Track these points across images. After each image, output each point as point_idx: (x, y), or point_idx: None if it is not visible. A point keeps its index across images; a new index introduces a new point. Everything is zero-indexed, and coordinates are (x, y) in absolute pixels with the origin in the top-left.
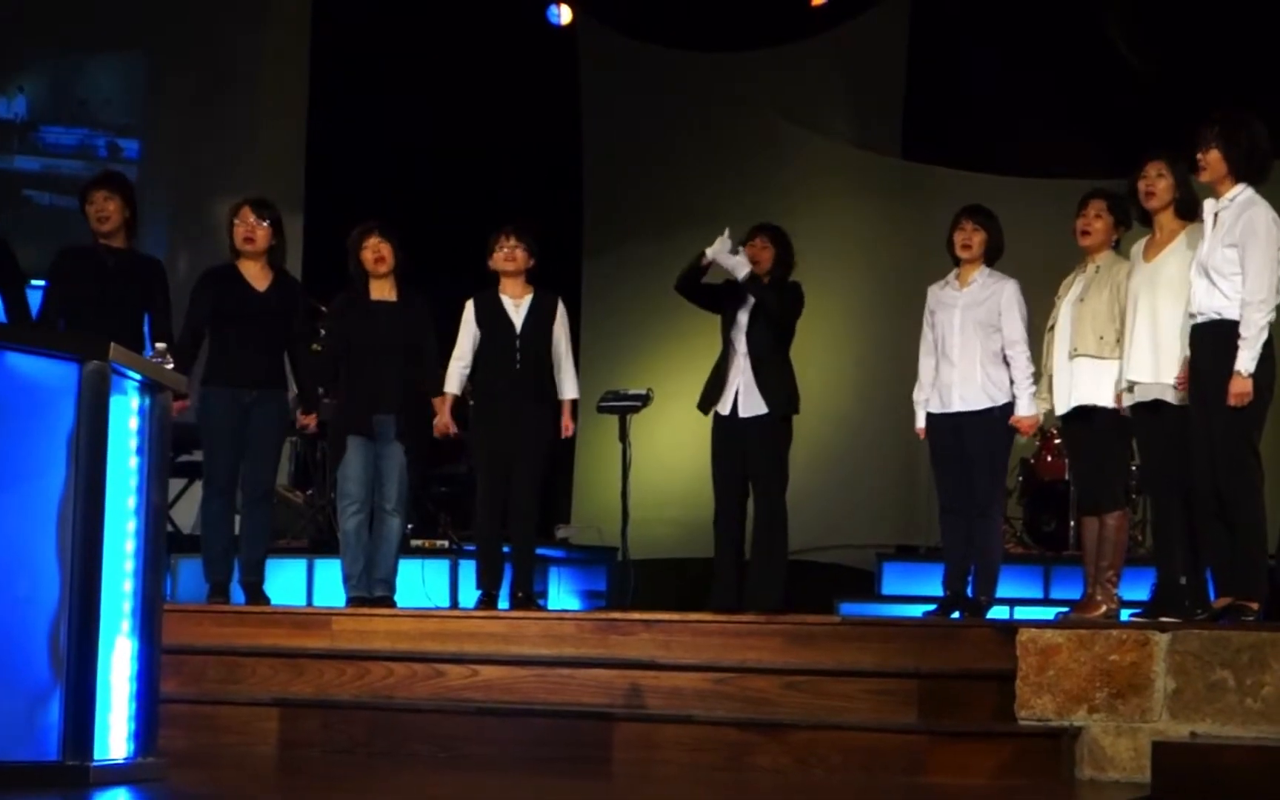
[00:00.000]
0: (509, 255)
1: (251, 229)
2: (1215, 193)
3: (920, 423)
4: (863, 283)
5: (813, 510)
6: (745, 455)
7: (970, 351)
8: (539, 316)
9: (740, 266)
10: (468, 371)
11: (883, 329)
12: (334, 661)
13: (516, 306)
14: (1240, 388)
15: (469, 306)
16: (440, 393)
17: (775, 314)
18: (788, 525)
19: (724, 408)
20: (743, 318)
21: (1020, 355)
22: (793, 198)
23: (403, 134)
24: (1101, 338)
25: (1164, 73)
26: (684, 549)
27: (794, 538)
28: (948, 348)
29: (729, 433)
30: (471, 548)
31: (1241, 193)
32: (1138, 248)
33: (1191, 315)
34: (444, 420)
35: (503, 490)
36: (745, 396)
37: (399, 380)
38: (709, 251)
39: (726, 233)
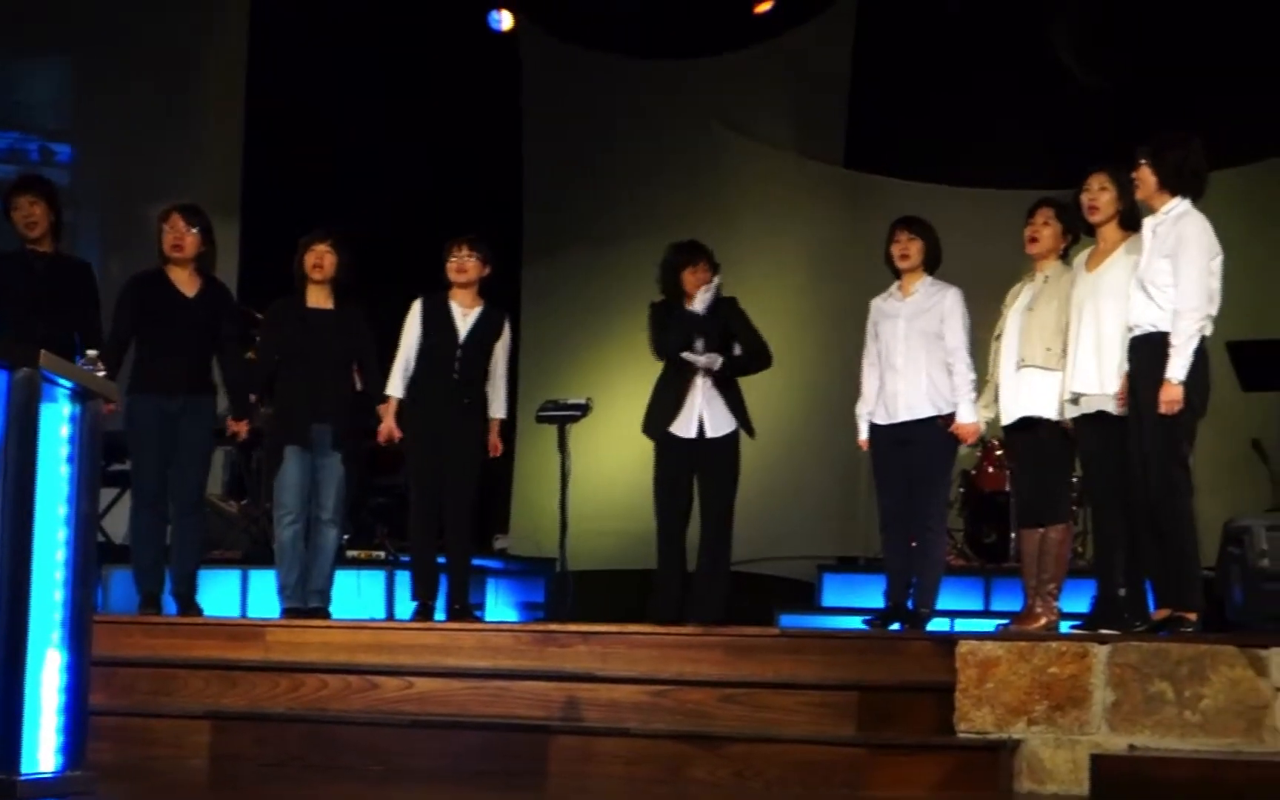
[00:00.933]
0: (460, 266)
1: (180, 236)
2: (1151, 209)
3: (863, 435)
4: (805, 293)
5: (754, 523)
6: (702, 474)
7: (915, 360)
8: (484, 330)
9: (714, 362)
10: (410, 377)
11: (825, 339)
12: (267, 673)
13: (464, 316)
14: (1170, 395)
15: (416, 307)
16: (382, 398)
17: (756, 363)
18: (732, 537)
19: (685, 429)
20: (696, 337)
21: (961, 363)
22: (734, 206)
23: (342, 138)
24: (1049, 348)
25: (1111, 85)
26: (623, 560)
27: (735, 550)
28: (892, 357)
29: (685, 453)
30: (407, 558)
31: (1176, 206)
32: (1081, 258)
33: (1129, 328)
34: (388, 425)
35: (437, 500)
36: (711, 417)
37: (336, 389)
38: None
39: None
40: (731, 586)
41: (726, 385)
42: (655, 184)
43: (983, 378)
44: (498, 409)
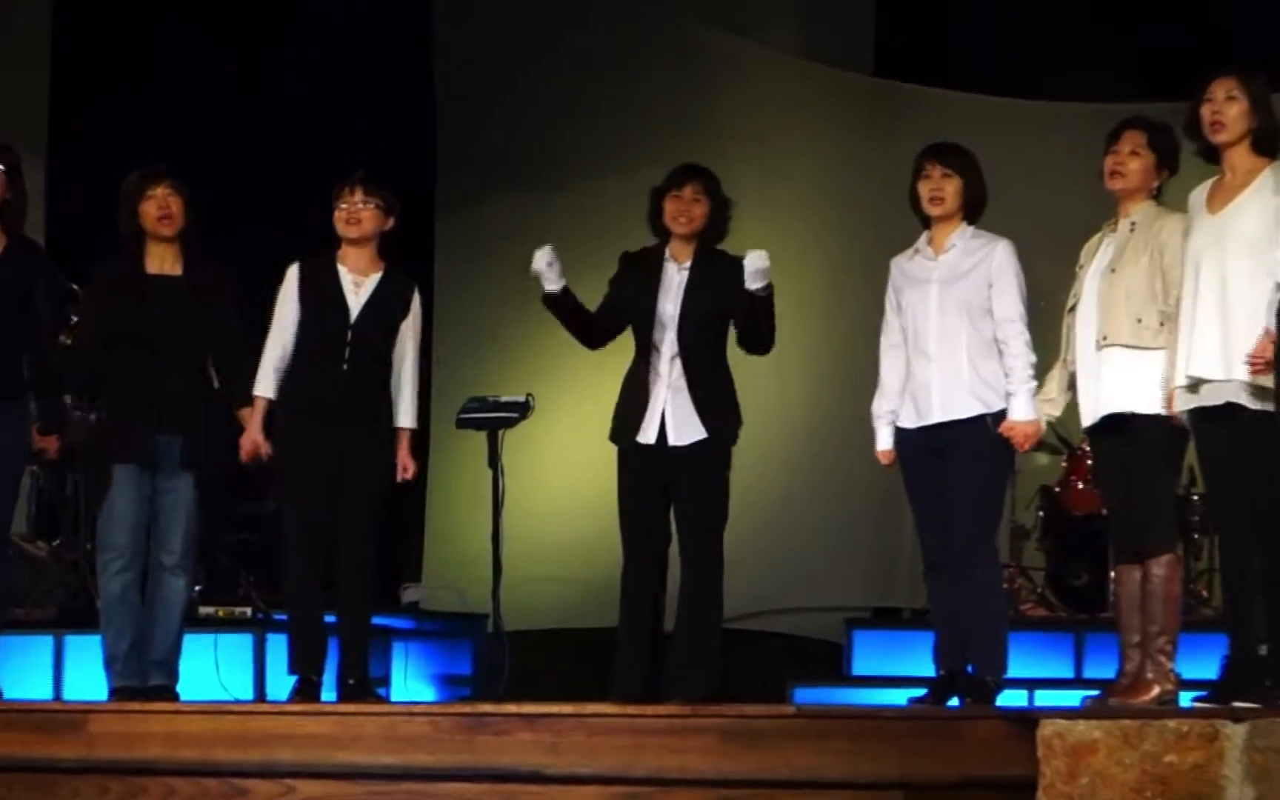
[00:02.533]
0: (350, 215)
1: None
2: None
3: (883, 444)
4: (819, 254)
5: (757, 564)
6: (673, 496)
7: (953, 341)
8: (385, 304)
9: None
10: (285, 369)
11: (848, 315)
12: (93, 777)
13: (357, 287)
14: None
15: (291, 275)
16: (248, 399)
17: (767, 349)
18: (723, 585)
19: (646, 435)
20: (667, 307)
21: (1016, 339)
22: (721, 135)
23: (194, 59)
24: (1140, 320)
25: None
26: (578, 615)
27: (733, 600)
28: (922, 338)
29: (650, 467)
30: (284, 617)
31: None
32: (1199, 195)
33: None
34: (253, 437)
35: (324, 537)
36: (676, 418)
37: (186, 386)
38: (546, 282)
39: (548, 251)
40: (726, 649)
41: (700, 377)
42: (607, 108)
43: (1046, 363)
44: (406, 415)
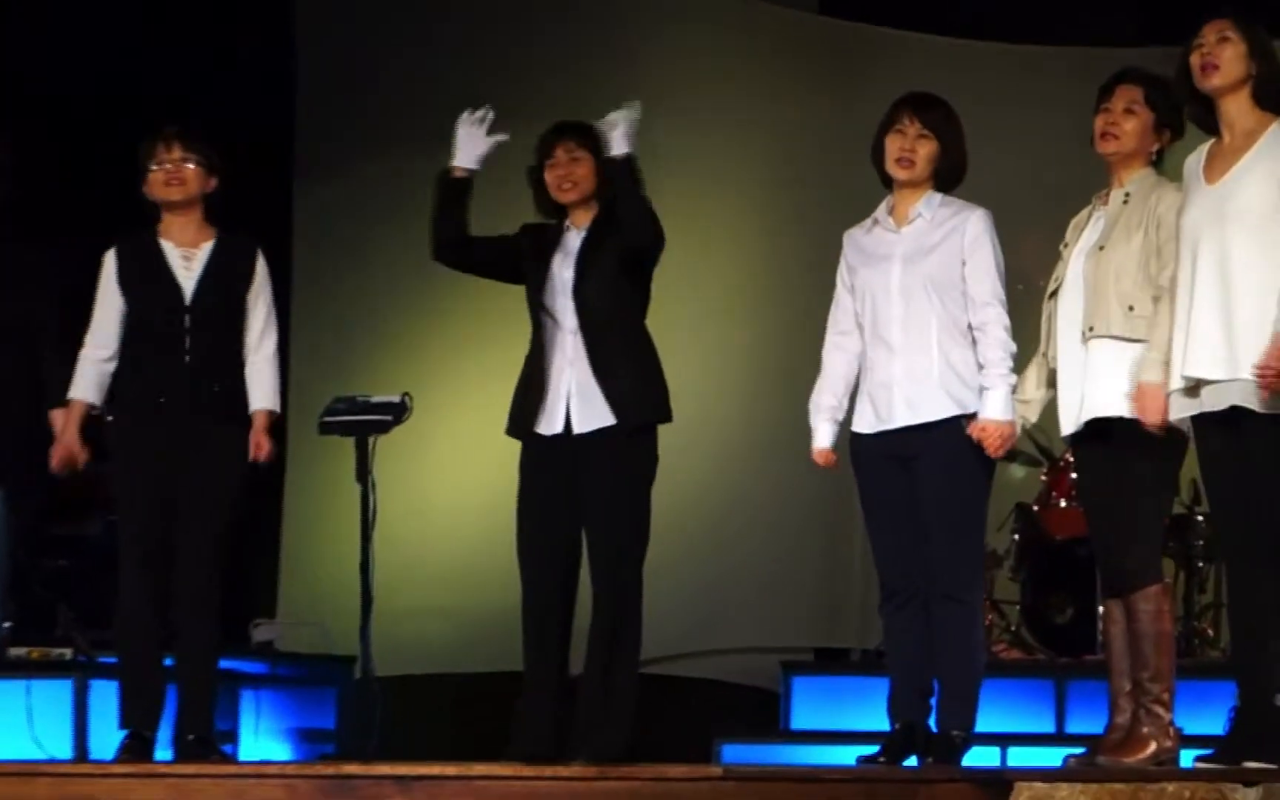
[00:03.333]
0: (171, 175)
1: None
2: None
3: (822, 440)
4: (757, 226)
5: (679, 596)
6: (578, 501)
7: (919, 328)
8: (223, 277)
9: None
10: (110, 367)
11: (791, 298)
12: None
13: (187, 261)
14: None
15: (108, 261)
16: (62, 400)
17: (645, 234)
18: (642, 619)
19: (548, 424)
20: (564, 273)
21: (994, 326)
22: (637, 85)
23: None
24: (1132, 308)
25: None
26: (465, 657)
27: (649, 639)
28: (883, 325)
29: (553, 464)
30: (111, 660)
31: None
32: (1195, 161)
33: None
34: (68, 445)
35: (165, 564)
36: (580, 400)
37: None
38: (461, 154)
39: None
40: (642, 697)
41: (609, 348)
42: (513, 55)
43: (1024, 357)
44: (263, 396)
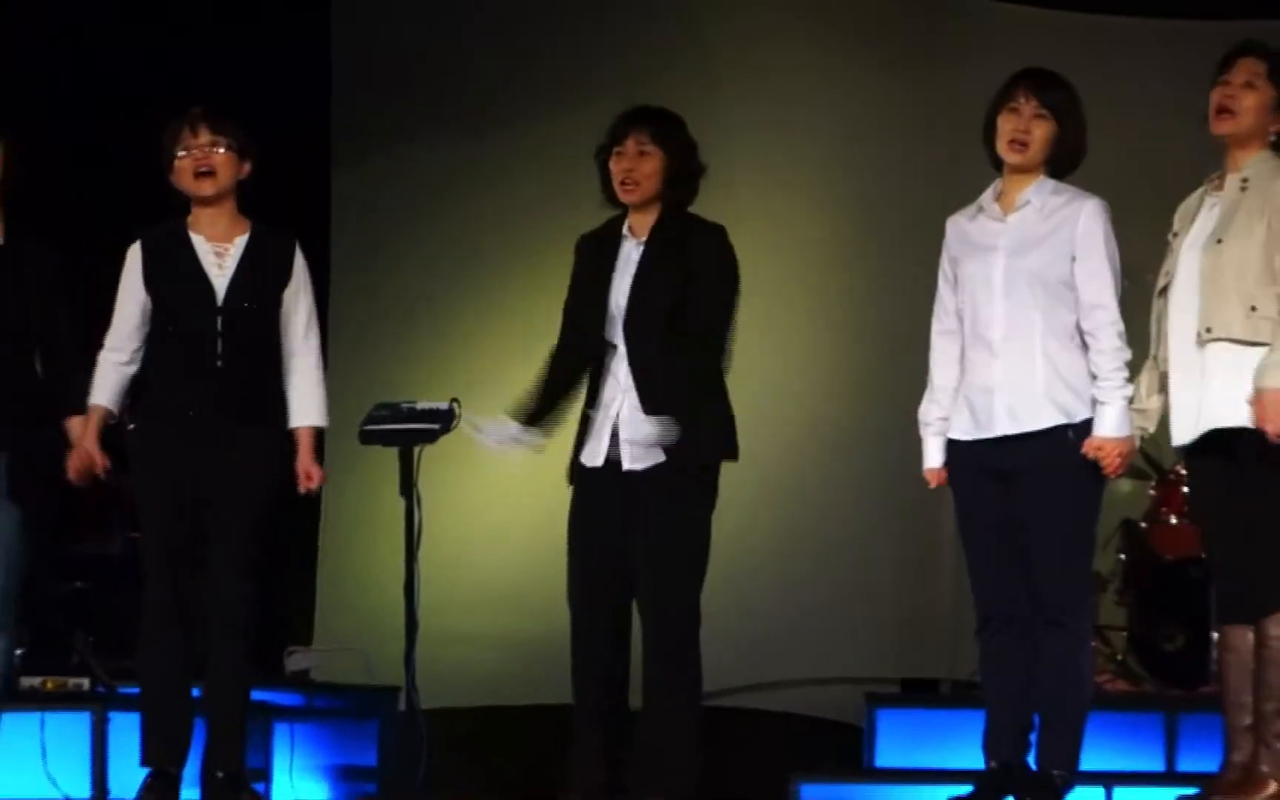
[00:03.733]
0: (200, 163)
1: None
2: None
3: (932, 459)
4: (836, 216)
5: (752, 623)
6: (631, 534)
7: (1022, 327)
8: (259, 273)
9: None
10: (132, 370)
11: (872, 298)
12: None
13: (219, 258)
14: None
15: (133, 256)
16: (80, 407)
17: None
18: (700, 651)
19: (592, 456)
20: (619, 295)
21: (1106, 331)
22: (699, 66)
23: None
24: (1254, 308)
25: None
26: (517, 688)
27: (721, 671)
28: (983, 324)
29: (603, 495)
30: (134, 690)
31: None
32: None
33: None
34: (86, 451)
35: (189, 586)
36: (630, 436)
37: (9, 385)
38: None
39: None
40: (713, 732)
41: (660, 379)
42: (570, 35)
43: (1136, 361)
44: (307, 411)
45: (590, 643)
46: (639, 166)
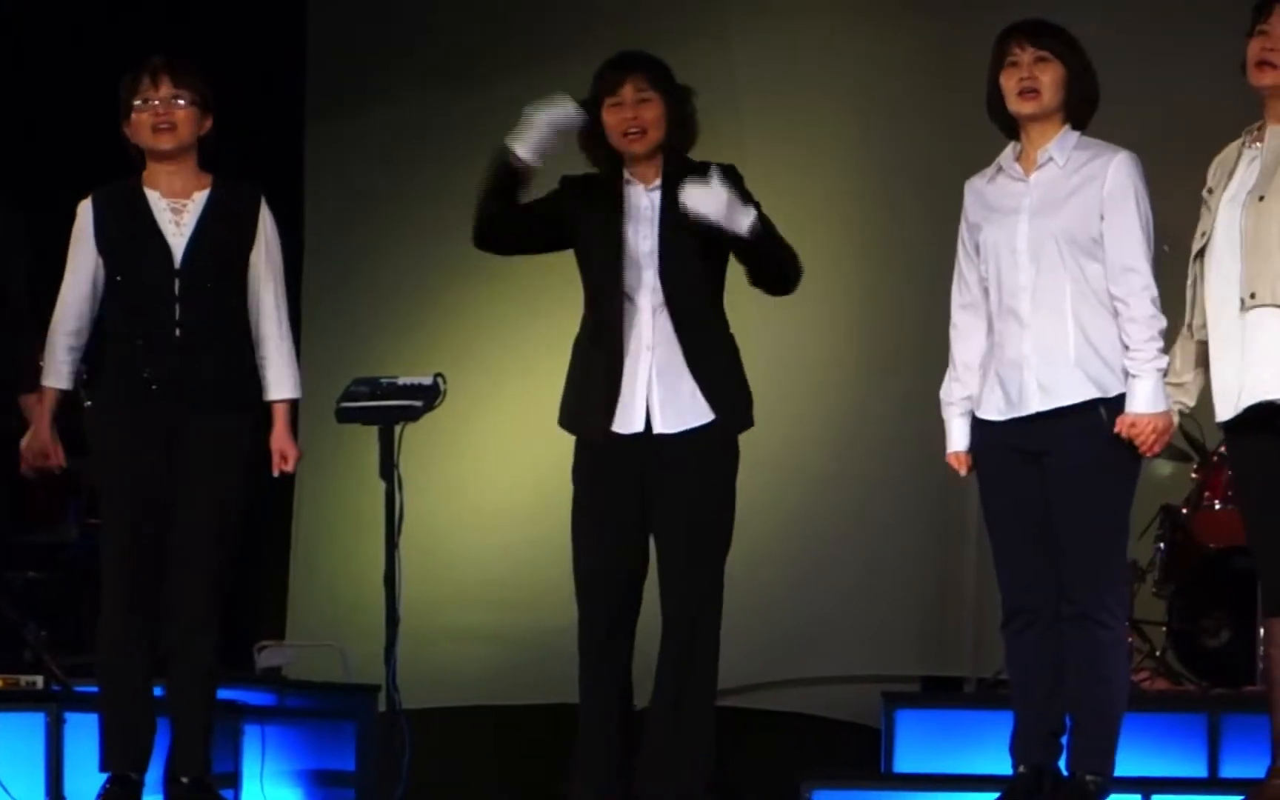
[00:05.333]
0: (161, 117)
1: None
2: None
3: (957, 443)
4: (855, 180)
5: (763, 616)
6: (656, 506)
7: (1052, 295)
8: (220, 233)
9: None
10: (83, 343)
11: (893, 270)
12: None
13: (177, 216)
14: None
15: (83, 213)
16: (34, 386)
17: (793, 285)
18: (719, 646)
19: (626, 422)
20: (642, 242)
21: (1139, 297)
22: (707, 16)
23: None
24: None
25: None
26: (507, 687)
27: (730, 668)
28: (1010, 292)
29: (623, 467)
30: (92, 689)
31: None
32: None
33: None
34: (39, 441)
35: (151, 578)
36: (665, 396)
37: None
38: (523, 144)
39: (568, 104)
40: (723, 734)
41: (699, 339)
42: None
43: (1175, 328)
44: (279, 383)
45: (603, 630)
46: (642, 114)
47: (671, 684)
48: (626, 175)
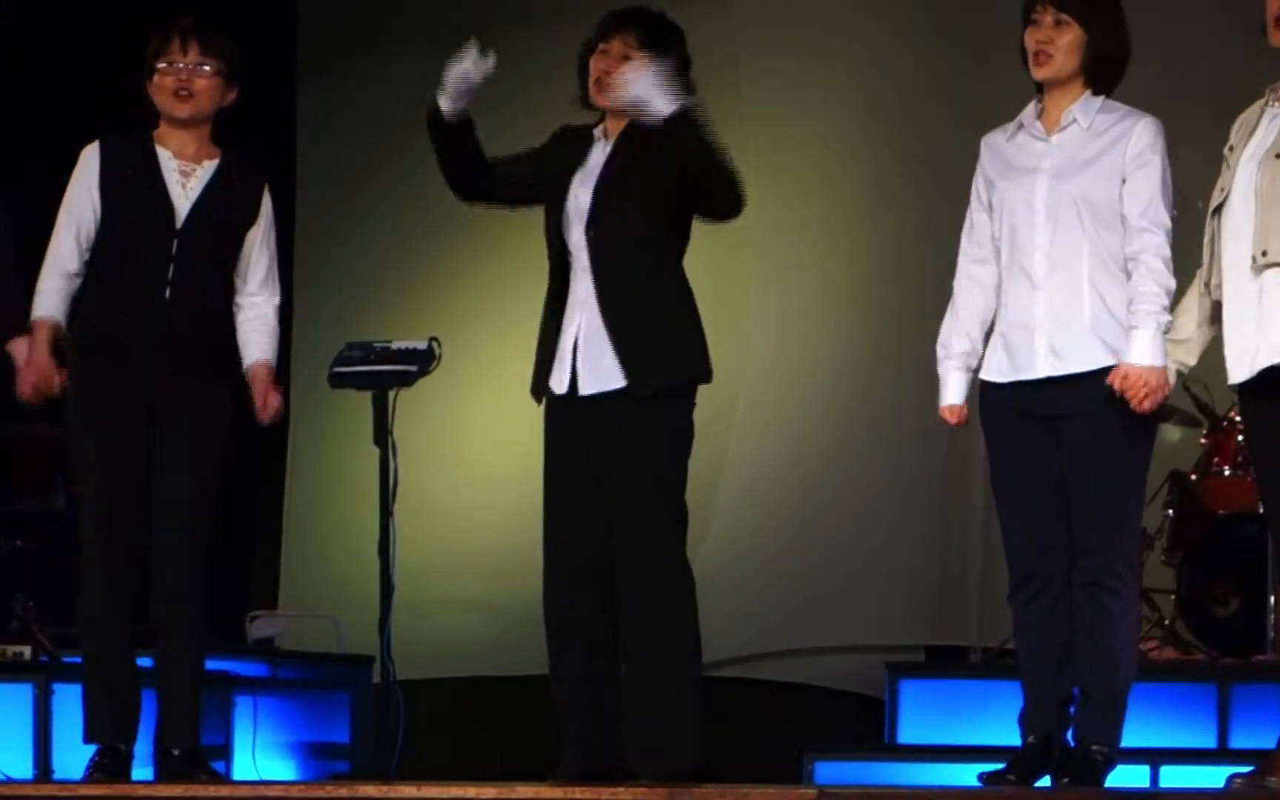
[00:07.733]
0: (183, 83)
1: None
2: None
3: (953, 395)
4: (859, 139)
5: (763, 585)
6: (602, 471)
7: (1068, 257)
8: (224, 205)
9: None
10: (74, 287)
11: (898, 226)
12: None
13: (184, 178)
14: None
15: (89, 157)
16: (20, 326)
17: (730, 207)
18: (697, 609)
19: (557, 382)
20: (581, 197)
21: (1153, 256)
22: None
23: None
24: None
25: None
26: (503, 657)
27: (728, 637)
28: (1023, 251)
29: (568, 428)
30: (78, 660)
31: None
32: None
33: None
34: (39, 366)
35: (135, 545)
36: (587, 356)
37: None
38: (446, 94)
39: (472, 48)
40: (721, 704)
41: (623, 295)
42: None
43: (1182, 289)
44: (261, 346)
45: (561, 599)
46: (618, 70)
47: (635, 652)
48: (598, 128)
